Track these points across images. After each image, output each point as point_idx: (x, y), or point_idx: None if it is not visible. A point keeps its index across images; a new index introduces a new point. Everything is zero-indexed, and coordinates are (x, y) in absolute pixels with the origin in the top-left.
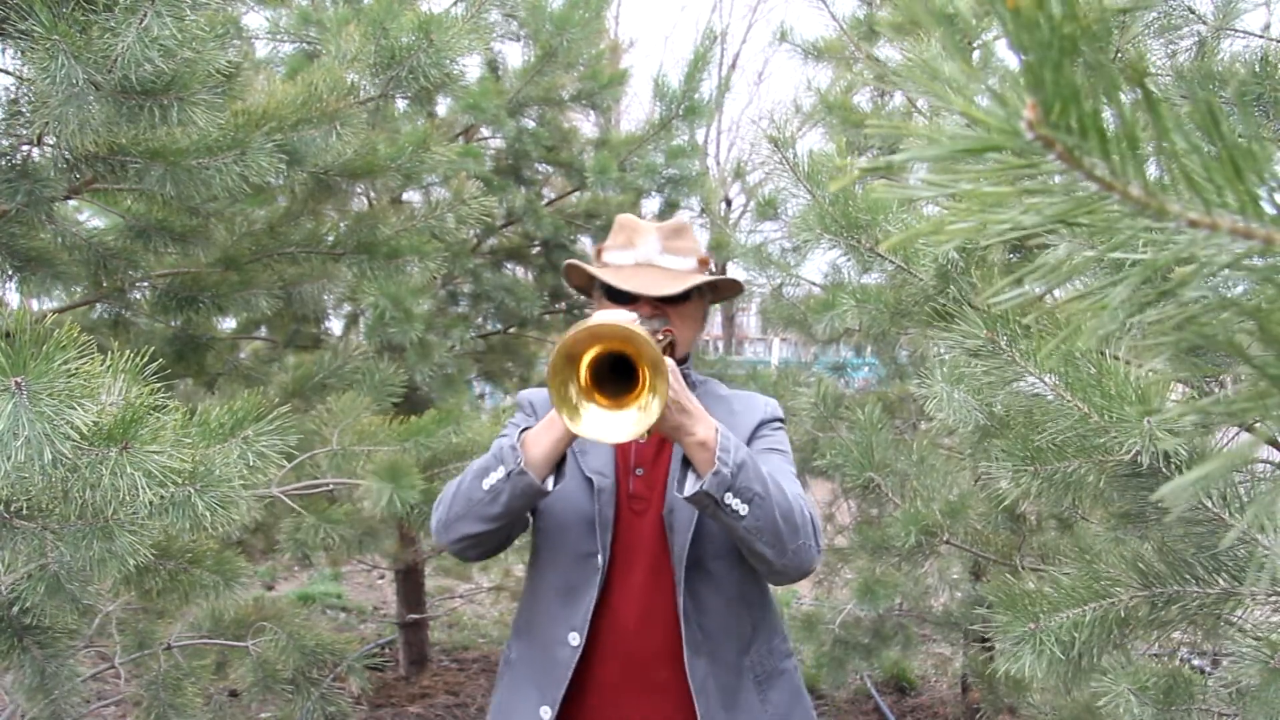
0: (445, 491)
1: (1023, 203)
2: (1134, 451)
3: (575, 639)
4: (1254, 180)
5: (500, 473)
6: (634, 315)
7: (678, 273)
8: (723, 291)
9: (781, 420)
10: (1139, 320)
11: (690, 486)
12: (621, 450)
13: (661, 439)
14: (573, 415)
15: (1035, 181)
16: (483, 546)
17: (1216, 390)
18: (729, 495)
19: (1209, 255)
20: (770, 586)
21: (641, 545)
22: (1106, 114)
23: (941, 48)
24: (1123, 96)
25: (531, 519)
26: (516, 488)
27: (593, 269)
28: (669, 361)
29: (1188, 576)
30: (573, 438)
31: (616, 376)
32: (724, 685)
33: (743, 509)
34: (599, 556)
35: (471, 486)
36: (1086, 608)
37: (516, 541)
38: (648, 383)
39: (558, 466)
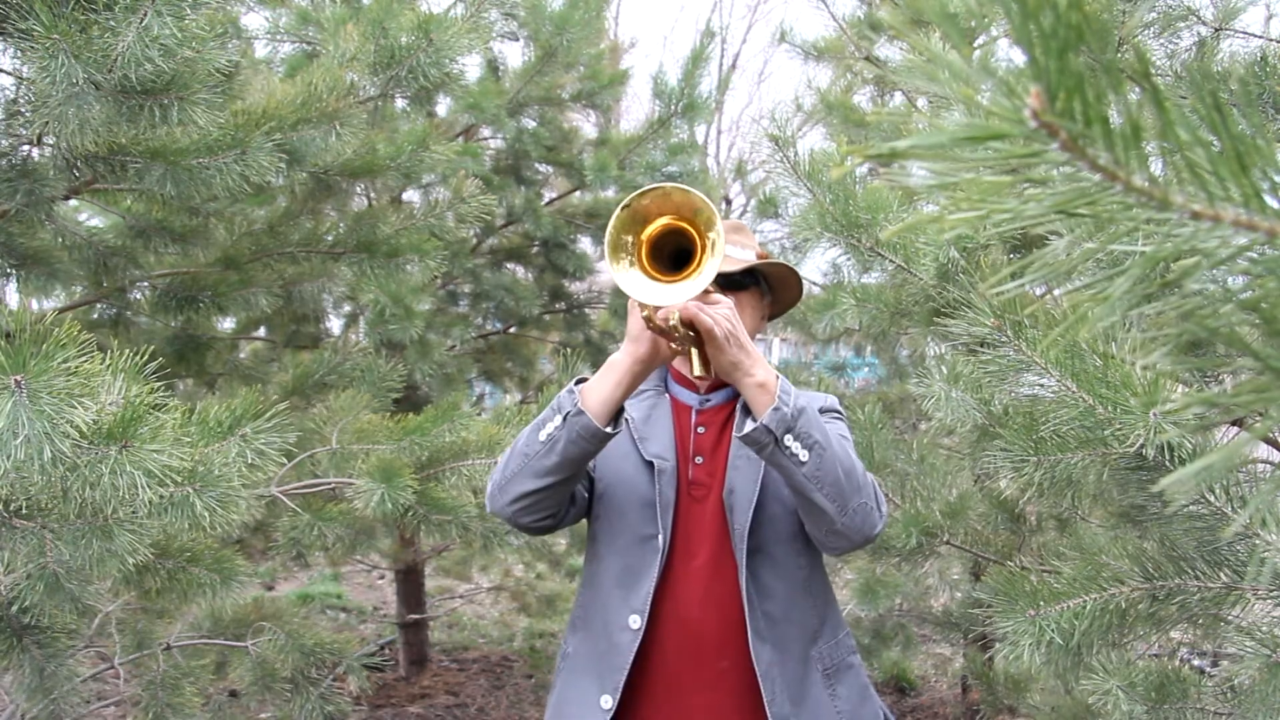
0: (501, 458)
1: (1024, 193)
2: (1138, 444)
3: (636, 621)
4: (1259, 174)
5: (557, 420)
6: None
7: (737, 260)
8: (780, 295)
9: (840, 412)
10: (1140, 313)
11: (749, 425)
12: (681, 438)
13: (721, 430)
14: (619, 262)
15: (1037, 172)
16: (539, 510)
17: (1216, 388)
18: (789, 437)
19: (1212, 248)
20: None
21: (702, 530)
22: (1110, 107)
23: (943, 41)
24: (1127, 89)
25: (588, 496)
26: (573, 430)
27: None
28: (726, 300)
29: (1189, 571)
30: (632, 382)
31: (672, 259)
32: (791, 676)
33: (803, 454)
34: (659, 538)
35: (529, 441)
36: (1087, 598)
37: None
38: (699, 260)
39: (616, 417)
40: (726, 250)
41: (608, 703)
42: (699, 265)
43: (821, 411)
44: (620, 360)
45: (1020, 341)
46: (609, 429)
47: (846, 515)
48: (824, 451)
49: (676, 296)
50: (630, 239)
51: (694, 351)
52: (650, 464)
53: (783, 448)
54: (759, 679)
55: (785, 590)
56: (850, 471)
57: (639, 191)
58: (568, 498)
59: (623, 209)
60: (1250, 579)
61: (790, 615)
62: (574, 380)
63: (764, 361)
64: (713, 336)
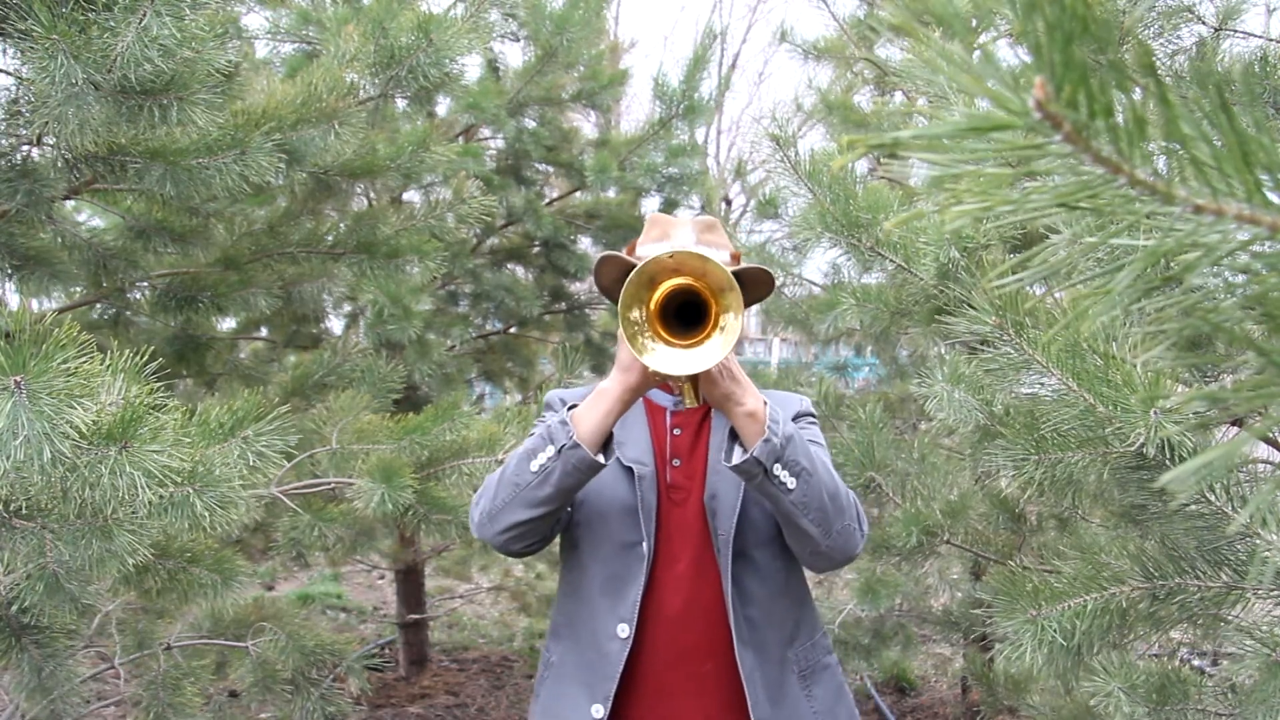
0: (486, 484)
1: (1026, 185)
2: (1139, 443)
3: (625, 630)
4: (1261, 170)
5: (550, 451)
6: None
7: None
8: (752, 290)
9: (814, 415)
10: (1142, 307)
11: (738, 456)
12: (658, 441)
13: (697, 431)
14: (639, 345)
15: (1040, 164)
16: (530, 538)
17: (1215, 386)
18: (777, 466)
19: (1214, 243)
20: (809, 584)
21: (684, 534)
22: (1114, 99)
23: (944, 38)
24: (1130, 85)
25: (571, 510)
26: (569, 464)
27: (632, 261)
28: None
29: (1189, 570)
30: (622, 410)
31: (684, 319)
32: (770, 678)
33: (790, 481)
34: (644, 544)
35: (518, 471)
36: (1088, 598)
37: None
38: (716, 314)
39: (606, 443)
40: (701, 251)
41: (599, 712)
42: (715, 323)
43: (797, 416)
44: (611, 389)
45: (1021, 340)
46: (601, 459)
47: (830, 538)
48: (811, 478)
49: (704, 360)
50: (639, 313)
51: (686, 384)
52: (630, 469)
53: (771, 477)
54: (743, 682)
55: (765, 594)
56: (835, 495)
57: (635, 270)
58: (557, 521)
59: (629, 286)
60: (1253, 579)
61: (769, 619)
62: (566, 407)
63: (753, 389)
64: (707, 372)
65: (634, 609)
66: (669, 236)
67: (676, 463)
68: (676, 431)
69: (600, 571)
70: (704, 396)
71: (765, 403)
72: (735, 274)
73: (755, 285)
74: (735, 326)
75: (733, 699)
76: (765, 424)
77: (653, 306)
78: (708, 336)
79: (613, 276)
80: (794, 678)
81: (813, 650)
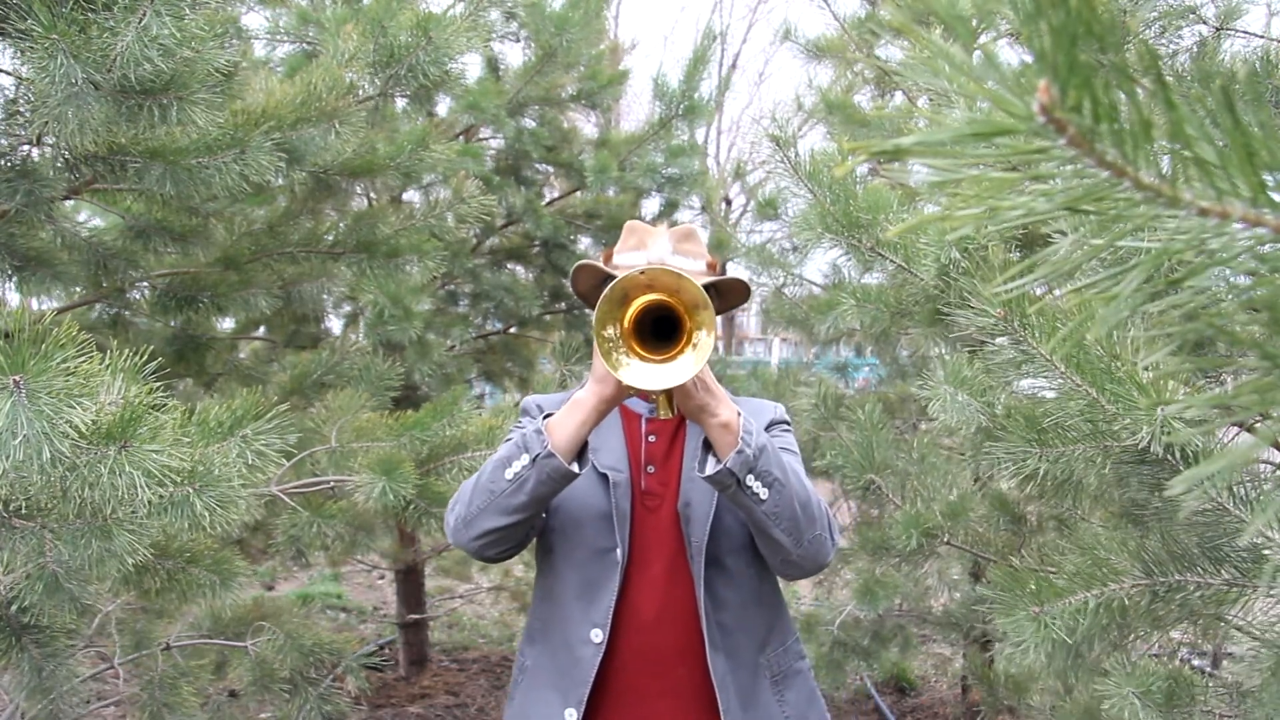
0: (461, 490)
1: (1030, 189)
2: (1145, 441)
3: (598, 635)
4: (1266, 168)
5: (525, 460)
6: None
7: (690, 273)
8: (729, 298)
9: (789, 423)
10: (1147, 310)
11: (712, 466)
12: (633, 448)
13: (672, 438)
14: (613, 361)
15: (1043, 168)
16: (504, 544)
17: (1217, 389)
18: (750, 476)
19: (1220, 244)
20: (782, 588)
21: (657, 541)
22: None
23: (946, 38)
24: (1133, 86)
25: (546, 515)
26: (543, 472)
27: (608, 269)
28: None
29: (1189, 567)
30: (597, 420)
31: (658, 333)
32: (742, 684)
33: (763, 492)
34: (618, 551)
35: (493, 478)
36: (1088, 594)
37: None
38: (690, 331)
39: (581, 452)
40: (677, 263)
41: (572, 716)
42: (688, 339)
43: (771, 424)
44: (586, 400)
45: (1025, 333)
46: (575, 468)
47: (802, 547)
48: (783, 488)
49: (677, 376)
50: (613, 330)
51: (661, 395)
52: (604, 476)
53: (744, 488)
54: (715, 687)
55: (738, 600)
56: (806, 504)
57: (609, 288)
58: (531, 527)
59: (602, 304)
60: (1265, 581)
61: (742, 625)
62: (542, 416)
63: (727, 400)
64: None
65: (607, 614)
66: (645, 245)
67: (651, 469)
68: (651, 438)
69: (574, 577)
70: (678, 407)
71: (739, 414)
72: (711, 285)
73: (732, 294)
74: (708, 343)
75: (705, 704)
76: (739, 435)
77: (626, 323)
78: (680, 352)
79: (589, 284)
80: (766, 683)
81: (785, 655)
